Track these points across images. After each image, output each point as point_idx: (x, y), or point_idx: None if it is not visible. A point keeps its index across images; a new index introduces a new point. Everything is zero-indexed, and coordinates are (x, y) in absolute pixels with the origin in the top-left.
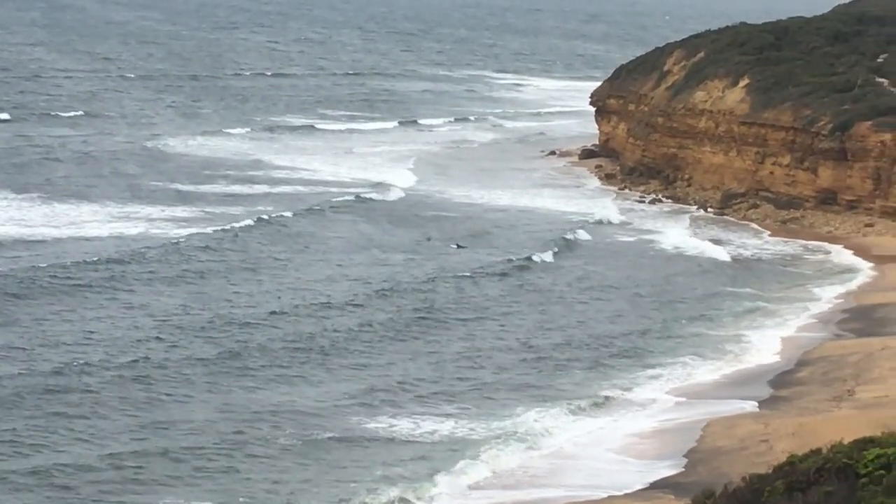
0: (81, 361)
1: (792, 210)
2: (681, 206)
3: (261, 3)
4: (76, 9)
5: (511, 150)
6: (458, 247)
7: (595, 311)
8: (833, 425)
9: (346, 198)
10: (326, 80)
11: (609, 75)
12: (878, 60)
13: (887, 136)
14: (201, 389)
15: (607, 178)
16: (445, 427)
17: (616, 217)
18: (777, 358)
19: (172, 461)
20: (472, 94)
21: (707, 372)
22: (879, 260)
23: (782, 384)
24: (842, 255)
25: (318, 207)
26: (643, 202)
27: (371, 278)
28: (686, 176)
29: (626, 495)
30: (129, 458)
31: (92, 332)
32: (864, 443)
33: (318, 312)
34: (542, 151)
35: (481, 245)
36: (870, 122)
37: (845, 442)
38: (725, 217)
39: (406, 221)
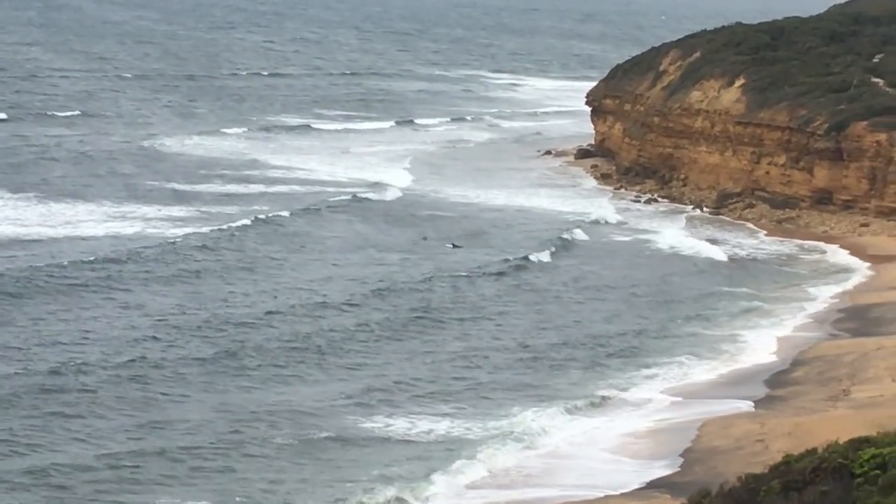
0: (78, 361)
1: (788, 210)
2: (677, 205)
3: (257, 2)
4: (72, 8)
5: (507, 150)
6: (455, 246)
7: (591, 311)
8: (829, 425)
9: (343, 197)
10: (323, 80)
11: (605, 75)
12: (874, 60)
13: (883, 136)
14: (198, 389)
15: (603, 177)
16: (442, 427)
17: (612, 217)
18: (773, 357)
19: (169, 461)
20: (469, 93)
21: (703, 372)
22: (875, 260)
23: (778, 384)
24: (837, 255)
25: (314, 207)
26: (639, 202)
27: (367, 278)
28: (682, 176)
29: (622, 495)
30: (126, 457)
31: (88, 332)
32: (860, 442)
33: (315, 312)
34: (539, 151)
35: (478, 245)
36: (865, 122)
37: (841, 441)
38: (721, 217)
39: (402, 221)
